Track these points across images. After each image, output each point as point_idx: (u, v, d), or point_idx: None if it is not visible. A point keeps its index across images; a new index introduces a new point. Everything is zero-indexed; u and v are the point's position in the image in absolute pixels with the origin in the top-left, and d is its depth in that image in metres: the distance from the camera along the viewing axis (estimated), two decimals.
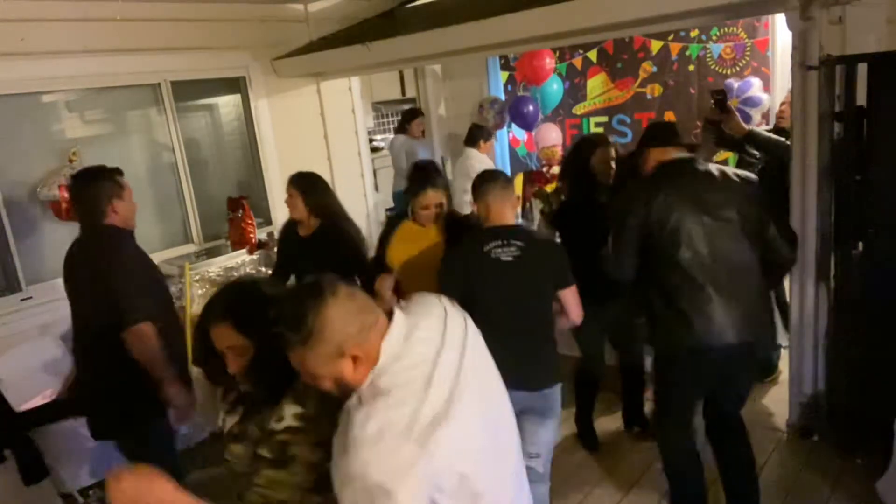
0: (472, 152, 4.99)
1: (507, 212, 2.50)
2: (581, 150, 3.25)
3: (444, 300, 1.49)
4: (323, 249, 3.18)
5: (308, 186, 3.25)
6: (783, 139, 3.28)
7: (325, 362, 1.27)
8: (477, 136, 5.02)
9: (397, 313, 1.36)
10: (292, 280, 3.32)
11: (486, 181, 2.54)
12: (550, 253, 2.51)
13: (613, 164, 3.18)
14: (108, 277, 2.41)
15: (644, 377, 3.42)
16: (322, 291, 1.28)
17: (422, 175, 2.95)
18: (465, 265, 2.42)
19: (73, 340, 2.76)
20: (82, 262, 2.55)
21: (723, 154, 4.67)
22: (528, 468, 1.81)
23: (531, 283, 2.41)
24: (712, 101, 3.50)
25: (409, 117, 6.09)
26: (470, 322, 1.48)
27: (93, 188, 2.50)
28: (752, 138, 3.42)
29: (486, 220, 2.50)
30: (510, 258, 2.39)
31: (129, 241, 2.56)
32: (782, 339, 3.69)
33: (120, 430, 2.60)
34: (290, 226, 3.39)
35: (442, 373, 1.30)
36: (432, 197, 2.84)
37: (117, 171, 2.60)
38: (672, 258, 2.37)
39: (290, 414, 1.43)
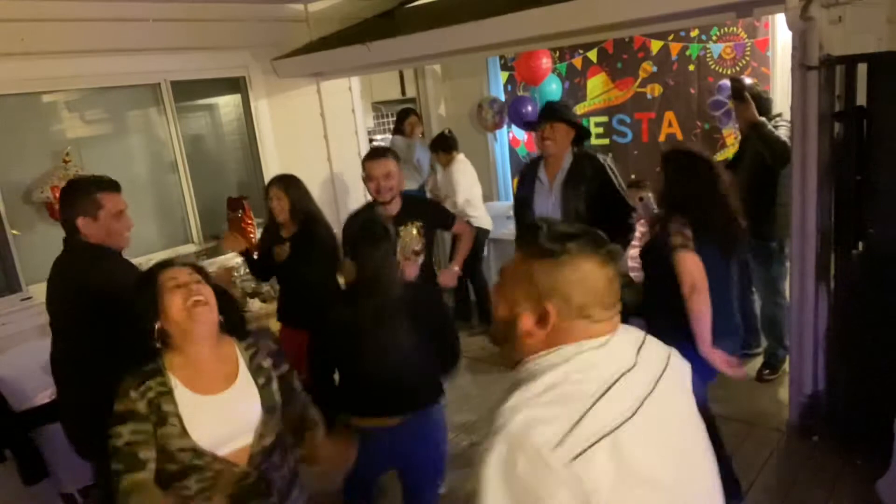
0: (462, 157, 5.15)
1: None
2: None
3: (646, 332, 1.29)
4: (305, 248, 3.25)
5: (293, 187, 3.30)
6: (783, 138, 3.38)
7: (525, 290, 1.13)
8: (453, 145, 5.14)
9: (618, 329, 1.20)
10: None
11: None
12: None
13: None
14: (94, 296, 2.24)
15: None
16: (600, 246, 1.14)
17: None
18: None
19: (55, 363, 2.50)
20: (60, 281, 2.39)
21: (726, 153, 4.67)
22: None
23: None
24: (730, 88, 3.64)
25: (402, 117, 6.12)
26: (676, 361, 1.25)
27: (66, 202, 2.35)
28: (758, 129, 3.47)
29: None
30: None
31: (101, 262, 2.34)
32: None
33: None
34: (271, 229, 3.42)
35: (620, 391, 1.10)
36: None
37: (103, 186, 2.37)
38: None
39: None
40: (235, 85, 4.56)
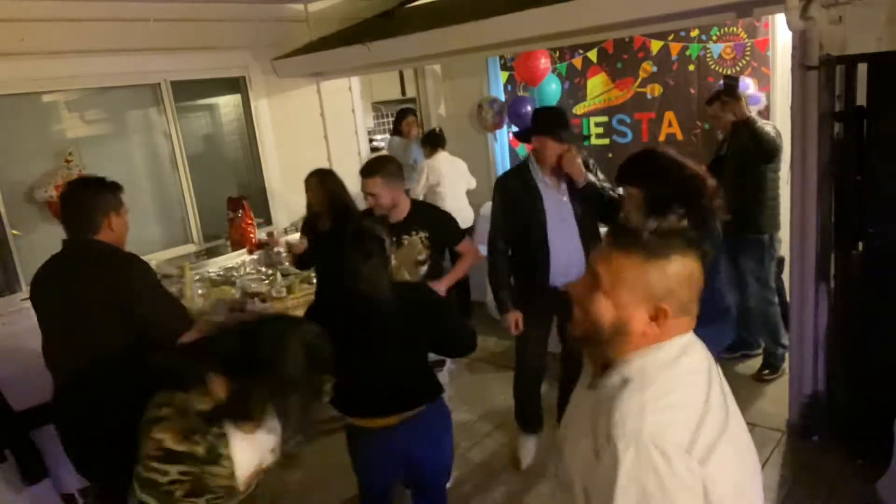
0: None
1: None
2: None
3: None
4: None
5: (329, 180, 3.44)
6: (772, 134, 3.55)
7: (640, 293, 1.14)
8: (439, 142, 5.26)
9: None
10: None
11: None
12: None
13: None
14: (129, 302, 2.21)
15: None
16: (697, 246, 1.19)
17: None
18: None
19: (56, 371, 2.39)
20: (77, 281, 2.26)
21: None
22: None
23: None
24: (721, 84, 3.78)
25: (400, 117, 6.17)
26: (715, 369, 1.30)
27: (90, 196, 2.29)
28: (750, 125, 3.54)
29: None
30: None
31: (137, 263, 2.33)
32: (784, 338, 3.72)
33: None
34: (312, 221, 3.55)
35: (715, 395, 1.16)
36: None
37: (118, 187, 2.40)
38: None
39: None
40: (235, 85, 4.56)
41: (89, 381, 2.24)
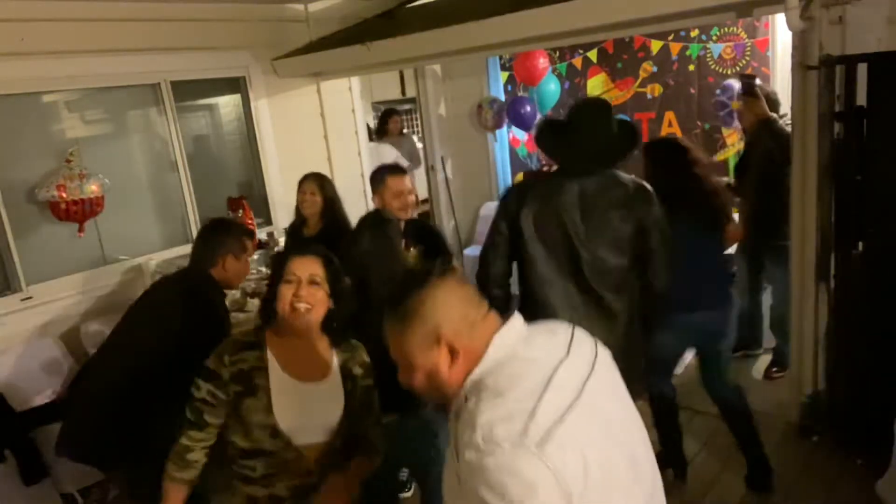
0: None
1: None
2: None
3: (573, 326, 1.34)
4: (331, 247, 3.23)
5: (328, 186, 3.40)
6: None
7: (421, 346, 1.19)
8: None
9: (517, 314, 1.26)
10: None
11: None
12: None
13: None
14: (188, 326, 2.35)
15: (675, 408, 3.04)
16: (429, 274, 1.24)
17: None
18: None
19: (94, 369, 2.57)
20: (164, 292, 2.55)
21: (726, 153, 4.67)
22: None
23: None
24: (741, 84, 3.72)
25: (385, 117, 6.52)
26: (602, 349, 1.31)
27: (216, 235, 2.57)
28: (770, 125, 3.48)
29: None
30: None
31: (219, 295, 2.54)
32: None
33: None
34: (297, 226, 3.49)
35: (563, 378, 1.14)
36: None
37: (248, 233, 2.68)
38: None
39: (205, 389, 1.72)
40: (235, 85, 4.56)
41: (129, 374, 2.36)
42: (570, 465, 1.04)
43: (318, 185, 3.36)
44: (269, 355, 1.77)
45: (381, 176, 2.89)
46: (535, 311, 2.41)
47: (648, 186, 2.44)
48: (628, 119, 2.56)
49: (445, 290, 1.22)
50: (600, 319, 2.39)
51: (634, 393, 2.29)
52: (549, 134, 2.57)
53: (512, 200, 2.49)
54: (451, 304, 1.20)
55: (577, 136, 2.43)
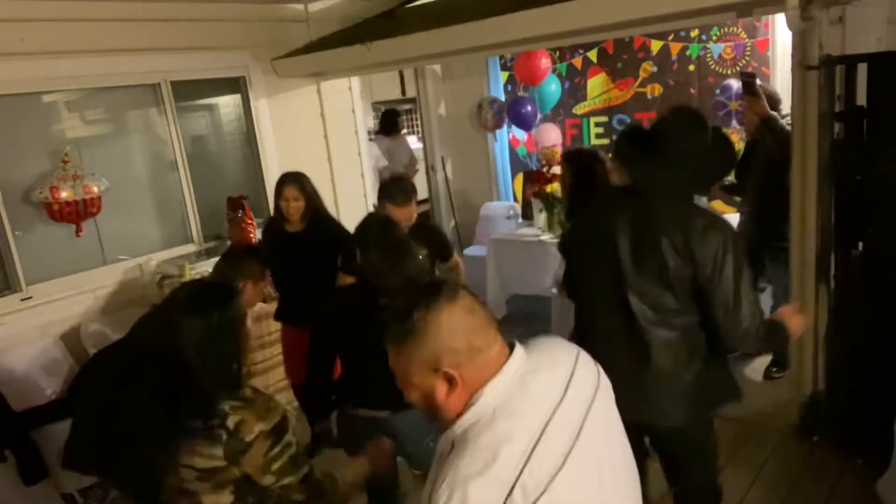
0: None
1: None
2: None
3: (577, 348, 1.30)
4: (317, 243, 3.28)
5: (308, 185, 3.35)
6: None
7: (419, 371, 1.15)
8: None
9: (518, 348, 1.19)
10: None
11: None
12: None
13: None
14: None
15: None
16: (439, 292, 1.16)
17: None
18: None
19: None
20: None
21: None
22: None
23: None
24: (741, 83, 3.68)
25: (394, 116, 6.60)
26: (603, 376, 1.29)
27: (240, 260, 2.61)
28: (770, 123, 3.46)
29: None
30: None
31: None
32: None
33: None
34: (275, 224, 3.45)
35: (555, 429, 1.12)
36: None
37: (268, 265, 2.74)
38: None
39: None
40: (235, 85, 4.56)
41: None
42: None
43: (298, 188, 3.31)
44: None
45: (383, 203, 3.05)
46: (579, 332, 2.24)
47: (723, 220, 2.06)
48: (722, 131, 2.18)
49: (453, 316, 1.14)
50: (635, 353, 2.09)
51: (672, 434, 2.19)
52: (629, 145, 2.19)
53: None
54: (456, 333, 1.13)
55: (664, 154, 2.03)
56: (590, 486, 1.14)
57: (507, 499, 1.04)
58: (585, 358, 1.27)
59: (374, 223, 2.63)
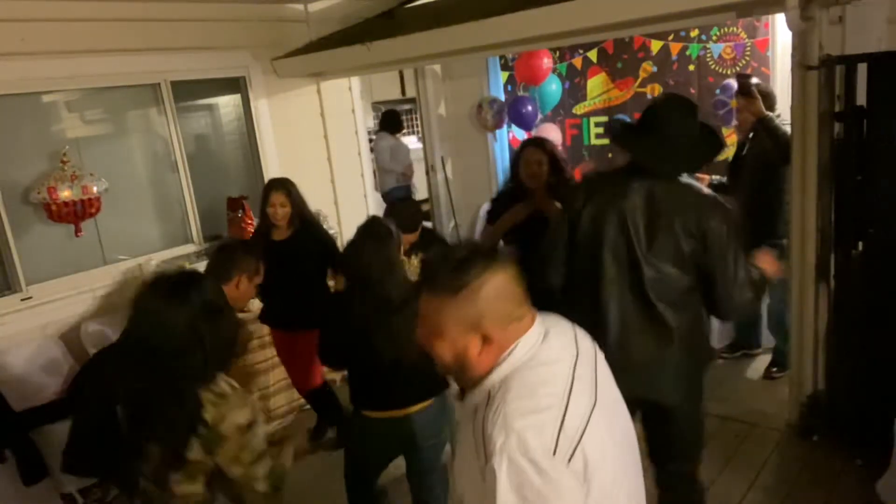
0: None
1: None
2: None
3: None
4: (304, 250, 3.32)
5: (294, 191, 3.37)
6: (789, 133, 3.35)
7: (457, 325, 1.19)
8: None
9: (538, 316, 1.27)
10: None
11: None
12: None
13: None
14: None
15: None
16: (496, 257, 1.22)
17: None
18: None
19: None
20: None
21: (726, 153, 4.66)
22: None
23: None
24: (737, 85, 3.72)
25: (398, 115, 6.77)
26: (597, 346, 1.37)
27: (236, 253, 2.58)
28: (766, 122, 3.50)
29: None
30: None
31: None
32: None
33: None
34: (265, 231, 3.45)
35: (581, 380, 1.20)
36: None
37: (262, 261, 2.70)
38: None
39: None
40: (235, 85, 4.56)
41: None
42: (599, 472, 1.13)
43: (285, 194, 3.32)
44: None
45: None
46: (581, 312, 2.32)
47: (721, 199, 2.17)
48: (708, 124, 2.34)
49: (503, 281, 1.20)
50: (655, 333, 2.17)
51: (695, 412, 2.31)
52: (627, 128, 2.50)
53: (577, 197, 2.30)
54: (502, 298, 1.20)
55: (660, 134, 2.17)
56: (612, 437, 1.21)
57: (559, 434, 1.10)
58: (579, 328, 1.35)
59: (374, 228, 2.63)
